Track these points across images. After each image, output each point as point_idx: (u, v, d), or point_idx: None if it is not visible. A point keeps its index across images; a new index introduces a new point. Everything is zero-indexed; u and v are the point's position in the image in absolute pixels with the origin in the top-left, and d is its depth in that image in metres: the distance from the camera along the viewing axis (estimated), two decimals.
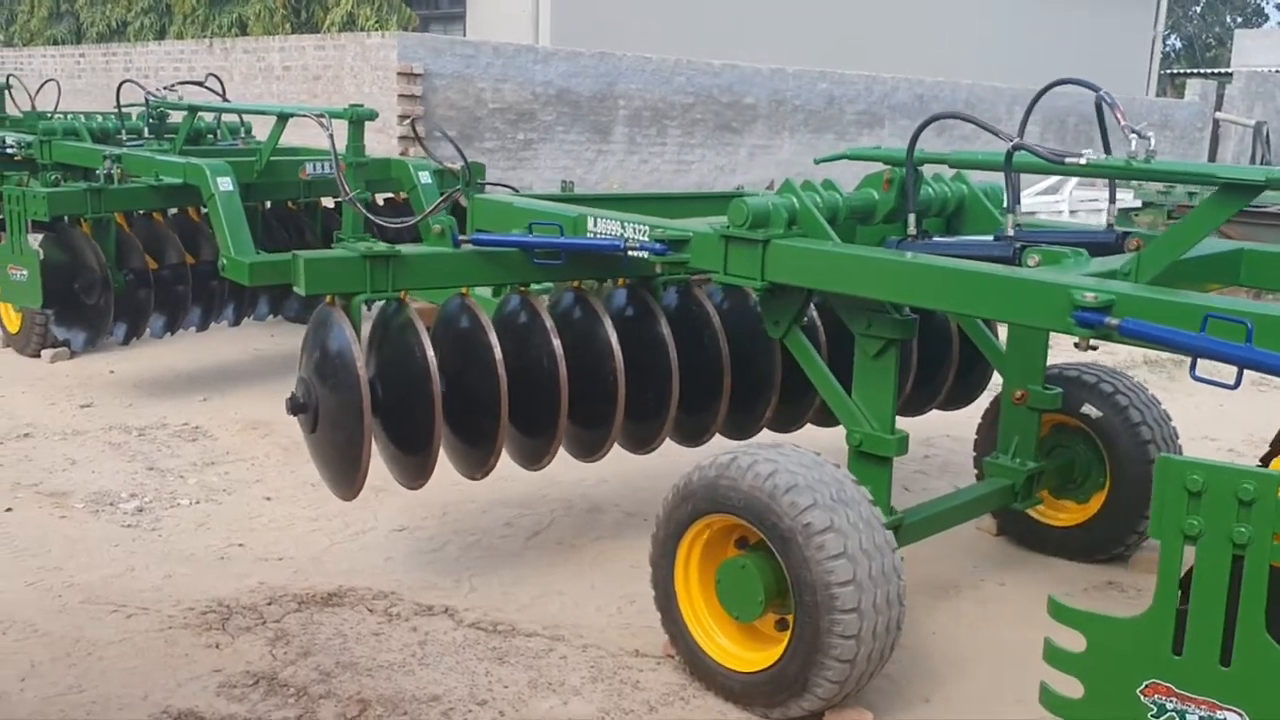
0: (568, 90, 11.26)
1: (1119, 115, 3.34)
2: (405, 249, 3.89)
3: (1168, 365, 7.98)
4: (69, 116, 9.20)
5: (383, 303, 3.89)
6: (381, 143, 10.17)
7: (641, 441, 4.34)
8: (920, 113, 15.04)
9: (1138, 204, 13.05)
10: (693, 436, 4.46)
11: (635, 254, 3.80)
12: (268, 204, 7.18)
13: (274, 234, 6.90)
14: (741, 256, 3.53)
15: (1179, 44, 46.06)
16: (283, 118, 6.52)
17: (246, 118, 8.52)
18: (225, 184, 6.10)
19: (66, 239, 6.02)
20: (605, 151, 11.79)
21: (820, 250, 3.38)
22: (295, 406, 3.87)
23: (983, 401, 4.89)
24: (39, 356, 7.17)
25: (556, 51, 11.16)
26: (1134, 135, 3.19)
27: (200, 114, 7.69)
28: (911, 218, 3.78)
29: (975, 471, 4.81)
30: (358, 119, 6.32)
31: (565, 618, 3.89)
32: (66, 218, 6.14)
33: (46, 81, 10.27)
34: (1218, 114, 17.83)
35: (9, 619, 3.67)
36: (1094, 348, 3.03)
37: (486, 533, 4.65)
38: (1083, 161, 3.26)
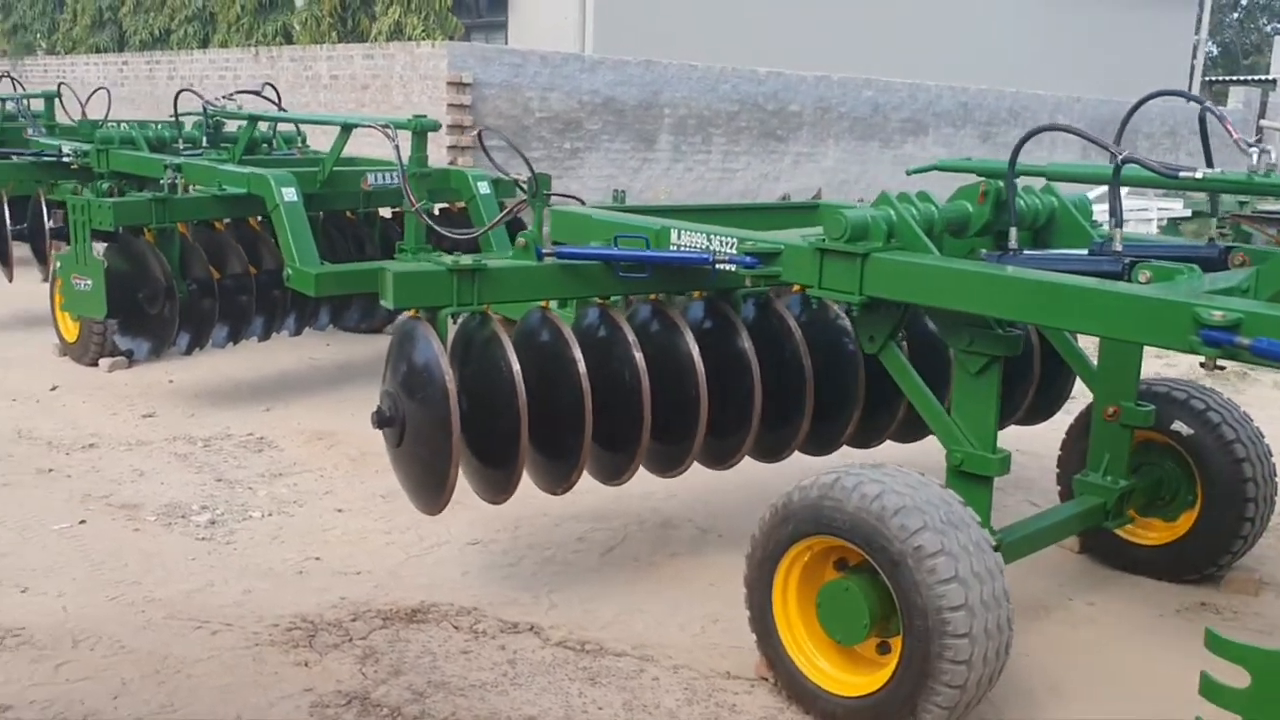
0: (613, 99, 11.22)
1: (1229, 128, 3.26)
2: (491, 262, 3.85)
3: (1230, 378, 7.84)
4: (121, 125, 9.24)
5: (466, 316, 3.85)
6: (429, 152, 10.14)
7: (722, 458, 4.28)
8: (964, 120, 14.93)
9: (1186, 213, 12.89)
10: (772, 452, 4.39)
11: (723, 267, 3.75)
12: (320, 214, 7.17)
13: (334, 244, 6.89)
14: (838, 270, 3.46)
15: (1215, 50, 45.63)
16: (346, 129, 6.50)
17: (298, 126, 8.54)
18: (290, 194, 6.09)
19: (131, 248, 6.02)
20: (650, 160, 11.75)
21: (923, 264, 3.31)
22: (381, 420, 3.82)
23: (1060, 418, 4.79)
24: (96, 365, 7.17)
25: (603, 60, 11.13)
26: (1252, 149, 3.11)
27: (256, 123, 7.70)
28: (1014, 231, 3.70)
29: (1058, 489, 4.71)
30: (421, 129, 6.30)
31: (651, 637, 3.82)
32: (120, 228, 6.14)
33: (97, 90, 10.34)
34: (1263, 121, 17.61)
35: (95, 635, 3.64)
36: (1221, 368, 2.95)
37: (560, 547, 4.59)
38: (1199, 175, 3.18)
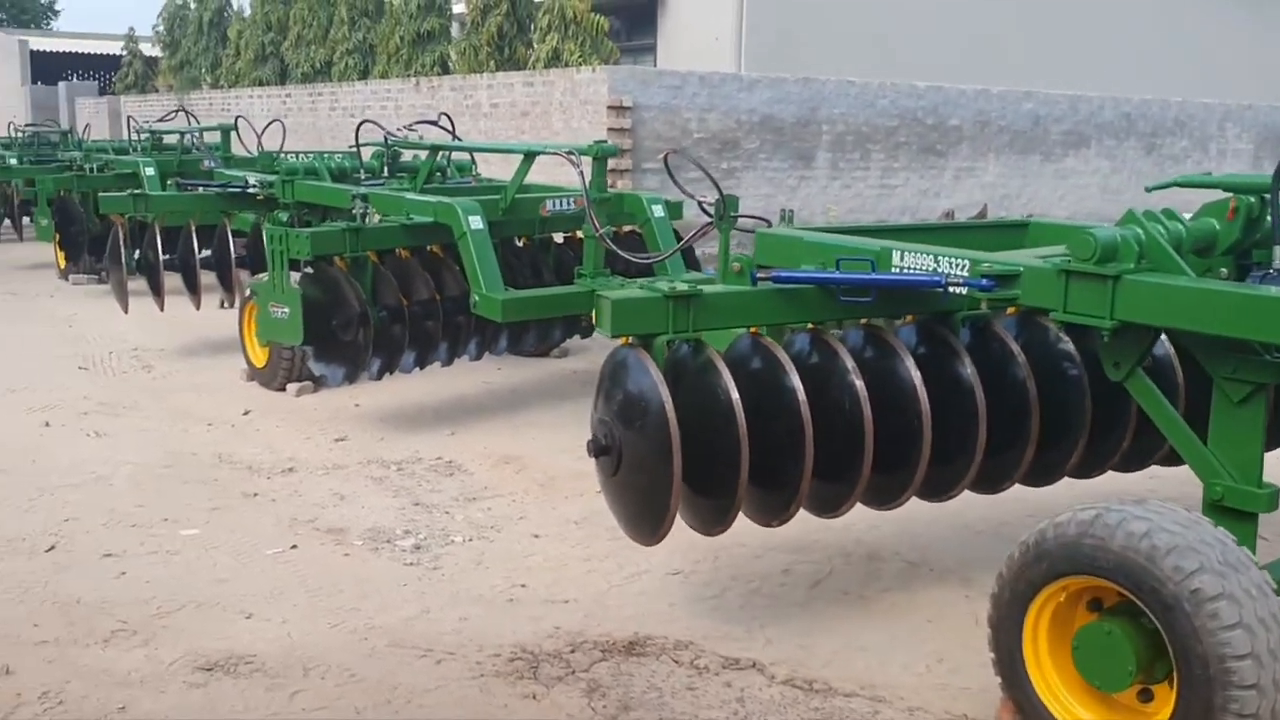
0: (771, 117, 11.13)
1: None
2: (706, 288, 3.79)
3: None
4: (300, 156, 9.53)
5: (677, 343, 3.78)
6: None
7: (941, 489, 4.11)
8: (1127, 132, 14.36)
9: None
10: (993, 483, 4.20)
11: (956, 290, 3.60)
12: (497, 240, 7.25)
13: (511, 270, 6.93)
14: (1086, 293, 3.27)
15: None
16: (529, 156, 6.55)
17: (463, 153, 8.67)
18: (476, 222, 6.16)
19: (326, 277, 6.16)
20: (808, 178, 11.60)
21: (1182, 287, 3.11)
22: (597, 449, 3.78)
23: None
24: (284, 390, 7.37)
25: (761, 79, 11.05)
26: None
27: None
28: (1278, 250, 3.45)
29: None
30: (602, 155, 6.30)
31: (876, 676, 3.68)
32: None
33: (271, 122, 10.70)
34: None
35: (324, 663, 3.68)
36: None
37: (765, 579, 4.48)
38: None
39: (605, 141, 6.38)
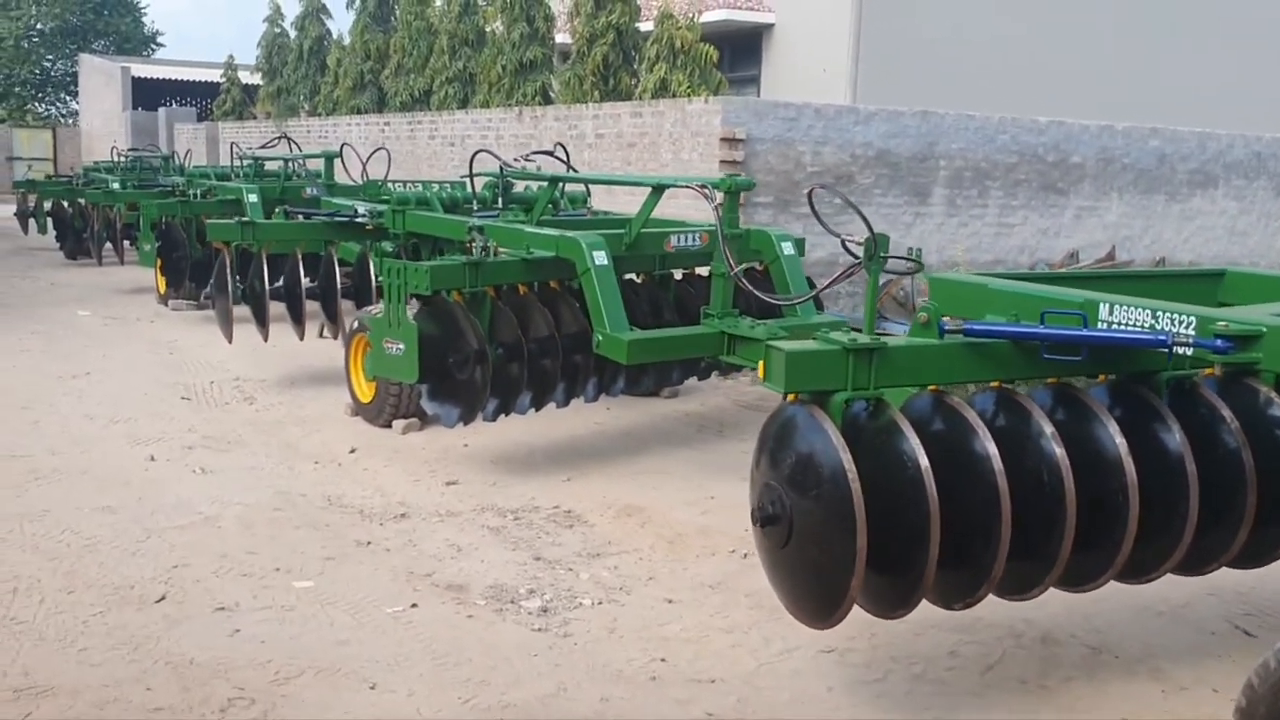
0: (887, 151, 10.69)
1: None
2: (890, 341, 3.40)
3: None
4: (405, 185, 9.34)
5: (858, 401, 3.39)
6: (702, 208, 9.88)
7: (1143, 570, 3.65)
8: (1258, 171, 13.63)
9: None
10: (1200, 564, 3.73)
11: (1182, 350, 3.16)
12: None
13: (631, 309, 6.59)
14: None
15: None
16: (658, 190, 6.22)
17: (577, 185, 8.38)
18: (601, 258, 5.85)
19: (444, 313, 5.87)
20: (923, 214, 11.13)
21: None
22: (765, 518, 3.39)
23: None
24: (389, 427, 7.11)
25: (878, 111, 10.63)
26: None
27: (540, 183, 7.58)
28: None
29: None
30: (735, 189, 5.94)
31: None
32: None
33: (377, 150, 10.56)
34: None
35: None
36: None
37: (930, 662, 4.04)
38: None
39: (739, 175, 6.02)
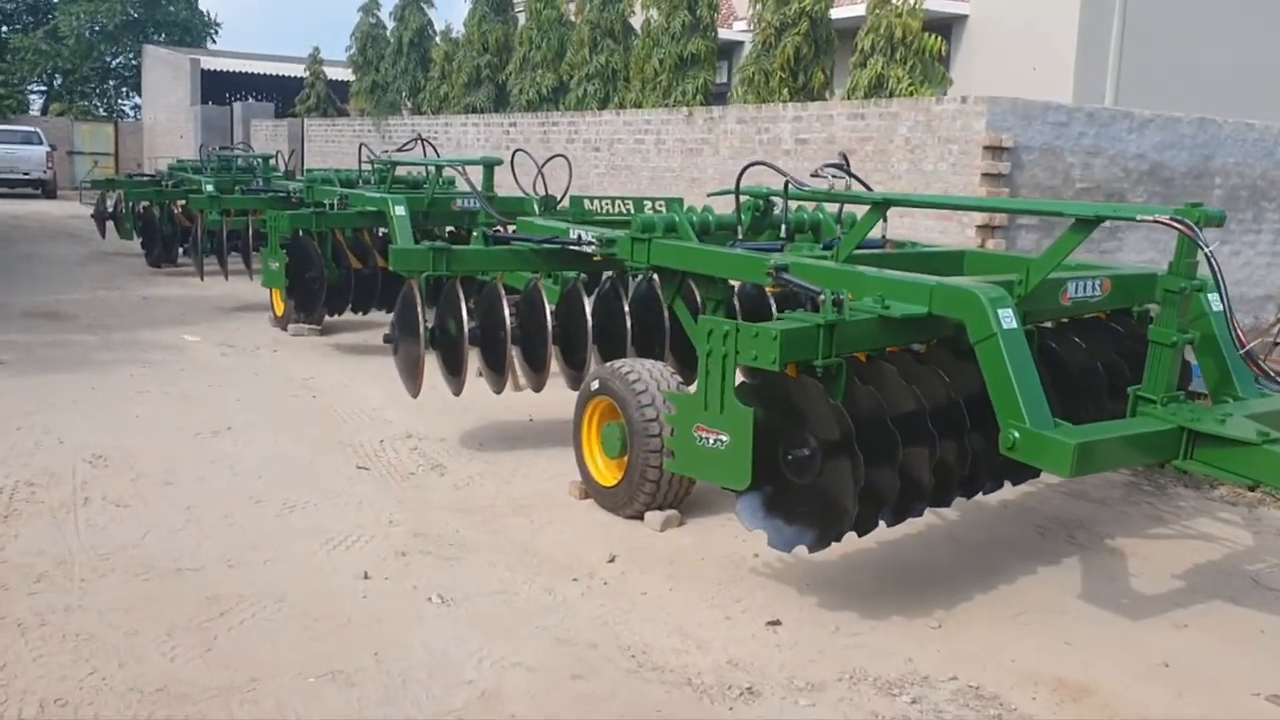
0: (1160, 165, 8.92)
1: None
2: None
3: None
4: (598, 203, 7.74)
5: None
6: (951, 232, 8.18)
7: None
8: None
9: None
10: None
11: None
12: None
13: None
14: None
15: None
16: (1085, 222, 4.49)
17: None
18: (1009, 319, 4.18)
19: (793, 394, 4.18)
20: None
21: None
22: None
23: None
24: (640, 519, 5.46)
25: (1153, 118, 8.86)
26: None
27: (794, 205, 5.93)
28: None
29: None
30: (1205, 221, 4.21)
31: None
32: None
33: (553, 157, 9.05)
34: None
35: None
36: None
37: None
38: None
39: (1200, 204, 4.28)
